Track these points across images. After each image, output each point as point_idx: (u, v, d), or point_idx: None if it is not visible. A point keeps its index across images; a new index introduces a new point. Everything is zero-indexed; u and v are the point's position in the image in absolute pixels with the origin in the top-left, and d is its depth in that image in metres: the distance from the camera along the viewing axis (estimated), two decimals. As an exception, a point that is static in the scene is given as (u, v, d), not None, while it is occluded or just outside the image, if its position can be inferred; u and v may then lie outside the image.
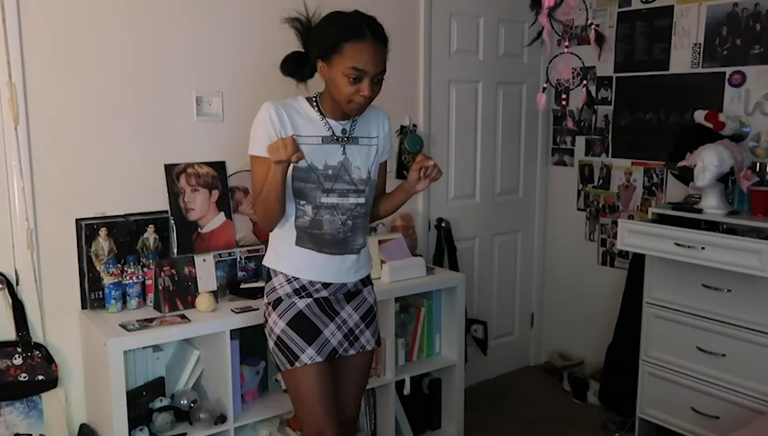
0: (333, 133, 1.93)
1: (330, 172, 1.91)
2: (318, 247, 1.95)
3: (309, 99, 1.95)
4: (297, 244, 1.95)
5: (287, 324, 1.96)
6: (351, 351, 2.04)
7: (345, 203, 1.94)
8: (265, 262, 2.04)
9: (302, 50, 1.91)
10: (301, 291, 1.97)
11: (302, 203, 1.93)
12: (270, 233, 2.02)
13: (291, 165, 1.84)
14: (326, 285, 1.98)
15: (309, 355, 1.95)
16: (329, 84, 1.87)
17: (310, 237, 1.95)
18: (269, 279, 2.02)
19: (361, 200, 1.97)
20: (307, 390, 1.96)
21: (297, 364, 1.94)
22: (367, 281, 2.11)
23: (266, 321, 2.02)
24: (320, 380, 1.97)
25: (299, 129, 1.89)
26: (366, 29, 1.81)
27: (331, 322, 2.00)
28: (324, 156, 1.91)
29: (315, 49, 1.86)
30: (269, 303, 2.01)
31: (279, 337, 1.96)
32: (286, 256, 1.98)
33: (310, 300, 1.98)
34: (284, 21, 1.89)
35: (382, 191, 2.14)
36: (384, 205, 2.13)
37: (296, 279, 1.96)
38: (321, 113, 1.93)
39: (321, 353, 1.97)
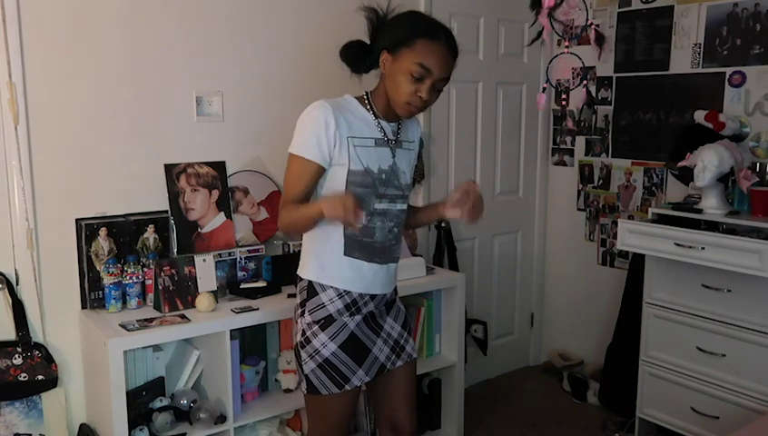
0: (385, 135, 1.84)
1: (384, 176, 1.83)
2: (367, 256, 1.85)
3: (359, 98, 1.86)
4: (345, 254, 1.83)
5: (339, 347, 1.84)
6: (399, 363, 1.98)
7: (393, 210, 1.87)
8: (307, 276, 1.87)
9: (368, 42, 1.84)
10: (352, 306, 1.86)
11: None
12: (309, 243, 1.89)
13: (348, 170, 1.77)
14: (373, 297, 1.89)
15: (359, 377, 1.87)
16: (387, 80, 1.78)
17: (359, 246, 1.83)
18: (311, 294, 1.85)
19: (405, 206, 1.92)
20: (340, 411, 1.90)
21: (347, 387, 1.85)
22: (396, 289, 2.05)
23: (306, 339, 1.84)
24: (354, 401, 1.93)
25: (353, 128, 1.78)
26: (442, 33, 1.76)
27: (378, 338, 1.92)
28: (378, 160, 1.81)
29: (384, 39, 1.78)
30: (315, 322, 1.84)
31: (327, 360, 1.83)
32: (334, 268, 1.84)
33: (359, 317, 1.87)
34: (360, 9, 1.82)
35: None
36: (413, 219, 2.07)
37: (347, 293, 1.84)
38: (374, 114, 1.84)
39: (370, 373, 1.90)
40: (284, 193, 1.81)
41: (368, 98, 1.86)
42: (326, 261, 1.85)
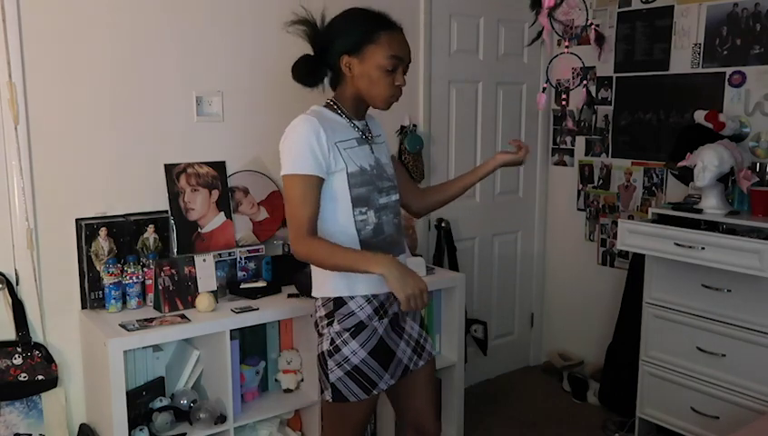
0: (362, 133, 1.86)
1: (376, 171, 1.84)
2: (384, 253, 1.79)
3: (327, 106, 1.85)
4: None
5: (368, 354, 1.81)
6: (421, 363, 1.97)
7: (391, 202, 1.89)
8: (330, 294, 1.82)
9: (311, 53, 1.82)
10: (380, 309, 1.83)
11: (364, 209, 1.79)
12: None
13: (347, 173, 1.76)
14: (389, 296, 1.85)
15: (385, 381, 1.86)
16: (358, 80, 1.77)
17: (375, 246, 1.81)
18: (338, 305, 1.80)
19: (398, 196, 1.94)
20: (363, 417, 1.88)
21: (374, 392, 1.83)
22: None
23: (336, 348, 1.80)
24: (375, 404, 1.93)
25: (336, 134, 1.77)
26: (392, 20, 1.80)
27: (401, 340, 1.91)
28: (365, 158, 1.82)
29: (340, 44, 1.76)
30: (345, 330, 1.80)
31: (356, 367, 1.80)
32: (358, 275, 1.76)
33: (386, 321, 1.86)
34: (289, 24, 1.78)
35: (413, 182, 2.07)
36: (452, 188, 2.15)
37: (375, 296, 1.82)
38: (346, 117, 1.84)
39: (395, 376, 1.89)
40: (294, 220, 1.72)
41: (335, 104, 1.85)
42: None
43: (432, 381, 2.04)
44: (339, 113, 1.83)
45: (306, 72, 1.83)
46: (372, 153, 1.86)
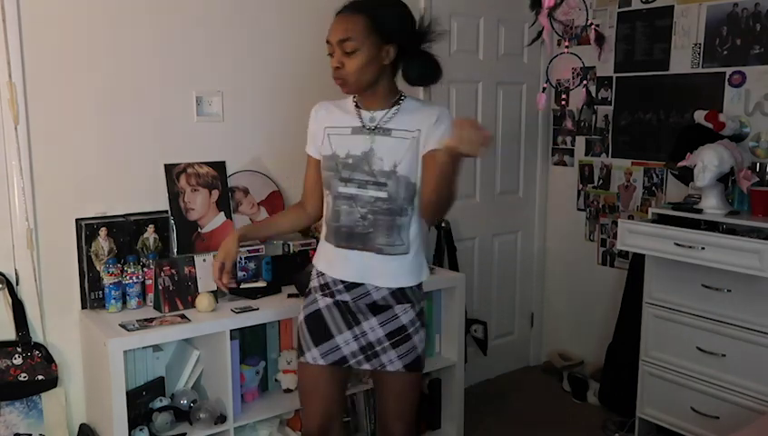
0: (362, 123, 1.89)
1: (351, 161, 1.86)
2: (335, 241, 1.92)
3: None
4: (326, 239, 1.97)
5: (304, 319, 2.00)
6: (366, 366, 1.96)
7: (364, 196, 1.86)
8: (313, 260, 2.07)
9: None
10: (326, 288, 1.96)
11: (327, 193, 1.94)
12: None
13: (323, 156, 1.93)
14: (348, 288, 1.92)
15: (312, 355, 1.96)
16: None
17: (330, 230, 1.93)
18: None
19: (382, 194, 1.85)
20: (304, 386, 2.03)
21: (301, 359, 2.00)
22: (402, 297, 1.93)
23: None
24: (318, 381, 1.98)
25: (332, 119, 1.93)
26: (345, 6, 1.82)
27: (348, 330, 1.93)
28: (348, 146, 1.87)
29: None
30: (308, 288, 2.05)
31: (299, 327, 2.03)
32: (319, 251, 2.01)
33: (331, 301, 1.94)
34: None
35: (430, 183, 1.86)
36: (430, 186, 1.85)
37: (322, 275, 1.97)
38: (357, 105, 1.92)
39: (327, 358, 1.95)
40: None
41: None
42: (320, 244, 2.02)
43: (398, 395, 1.99)
44: (354, 102, 1.93)
45: None
46: (371, 143, 1.86)
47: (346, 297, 1.93)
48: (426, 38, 1.89)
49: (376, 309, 1.93)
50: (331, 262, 1.94)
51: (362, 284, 1.91)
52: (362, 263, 1.90)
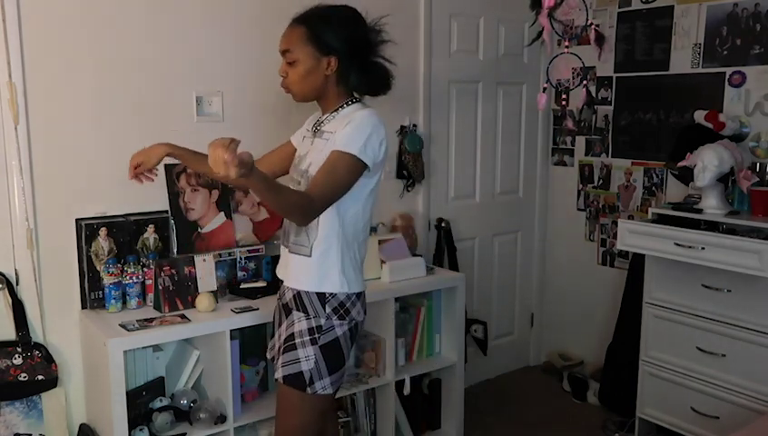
0: (314, 128, 1.97)
1: (296, 161, 1.98)
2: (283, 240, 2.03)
3: None
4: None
5: (273, 314, 2.11)
6: (276, 371, 1.94)
7: None
8: None
9: None
10: (279, 289, 2.06)
11: None
12: None
13: (297, 149, 2.04)
14: (281, 287, 2.02)
15: (269, 346, 2.10)
16: None
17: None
18: None
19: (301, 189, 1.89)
20: None
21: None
22: (300, 303, 1.88)
23: None
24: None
25: (309, 124, 2.03)
26: (293, 17, 1.89)
27: (276, 330, 2.03)
28: (301, 147, 2.00)
29: None
30: None
31: None
32: None
33: (278, 302, 2.05)
34: None
35: (313, 178, 1.79)
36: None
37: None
38: (322, 112, 1.99)
39: (269, 354, 2.09)
40: None
41: None
42: None
43: (277, 407, 1.95)
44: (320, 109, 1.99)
45: None
46: (309, 145, 1.94)
47: (285, 299, 1.98)
48: (373, 49, 1.88)
49: (287, 310, 1.96)
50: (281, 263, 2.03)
51: (283, 282, 1.99)
52: (284, 260, 1.97)
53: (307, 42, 1.82)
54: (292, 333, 1.89)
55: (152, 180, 2.08)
